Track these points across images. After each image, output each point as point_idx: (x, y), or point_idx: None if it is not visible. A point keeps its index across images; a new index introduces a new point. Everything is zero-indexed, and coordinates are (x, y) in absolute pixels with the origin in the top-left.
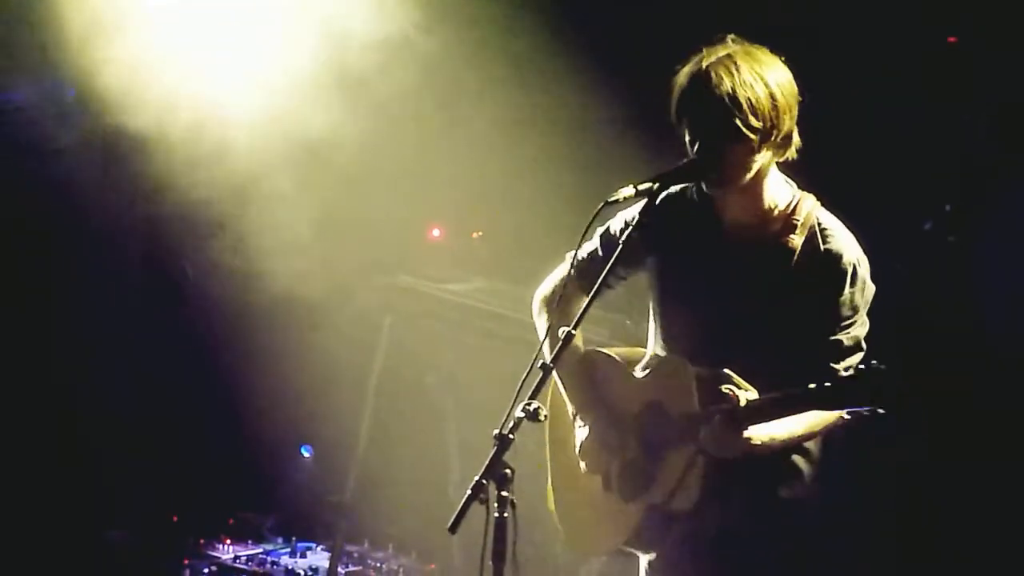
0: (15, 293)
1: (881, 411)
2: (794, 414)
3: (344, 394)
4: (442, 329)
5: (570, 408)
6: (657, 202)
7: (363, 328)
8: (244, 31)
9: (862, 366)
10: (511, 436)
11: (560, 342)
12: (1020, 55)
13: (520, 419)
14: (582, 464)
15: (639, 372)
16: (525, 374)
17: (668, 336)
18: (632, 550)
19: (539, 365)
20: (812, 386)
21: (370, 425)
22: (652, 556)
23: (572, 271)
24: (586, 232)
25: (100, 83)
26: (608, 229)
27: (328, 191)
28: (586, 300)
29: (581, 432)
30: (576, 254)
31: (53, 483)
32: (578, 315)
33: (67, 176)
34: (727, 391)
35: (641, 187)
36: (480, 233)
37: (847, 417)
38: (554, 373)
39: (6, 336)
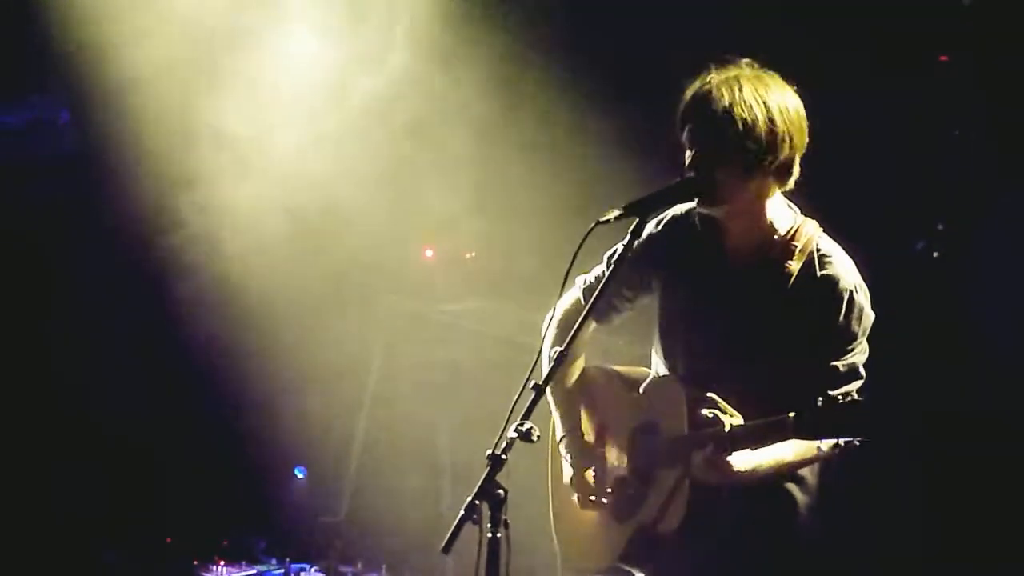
0: (4, 315)
1: (857, 442)
2: (778, 441)
3: (337, 415)
4: (435, 350)
5: (558, 432)
6: (663, 224)
7: (357, 349)
8: (239, 48)
9: (838, 397)
10: (504, 456)
11: (552, 363)
12: (1012, 72)
13: (513, 439)
14: (574, 497)
15: (636, 392)
16: (518, 394)
17: (668, 356)
18: (624, 568)
19: (531, 386)
20: (791, 414)
21: (363, 446)
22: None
23: (583, 294)
24: (577, 252)
25: (94, 103)
26: (615, 253)
27: (322, 214)
28: (594, 325)
29: (567, 468)
30: (586, 278)
31: (48, 505)
32: (573, 334)
33: (62, 196)
34: (710, 415)
35: (633, 206)
36: (473, 253)
37: (823, 450)
38: (548, 394)
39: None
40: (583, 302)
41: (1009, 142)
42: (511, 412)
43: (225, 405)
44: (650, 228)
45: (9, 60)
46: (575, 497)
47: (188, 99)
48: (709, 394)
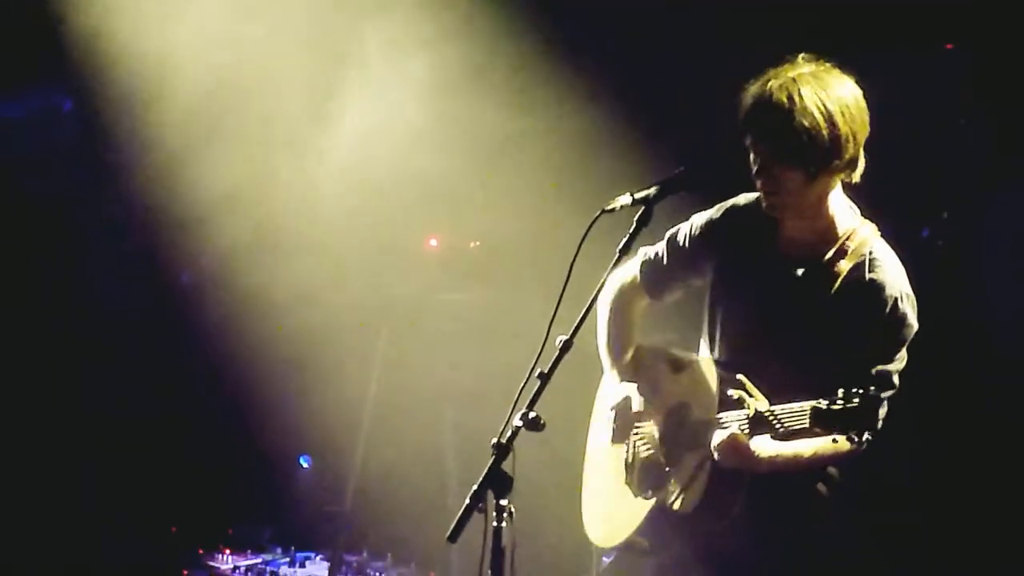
0: (8, 301)
1: (869, 437)
2: (799, 431)
3: (342, 404)
4: (439, 339)
5: (609, 398)
6: (723, 212)
7: (361, 338)
8: (244, 30)
9: (857, 391)
10: (509, 445)
11: (558, 352)
12: (1016, 60)
13: (518, 428)
14: (610, 428)
15: (678, 372)
16: (523, 383)
17: (711, 342)
18: (640, 547)
19: (536, 374)
20: (811, 403)
21: (368, 435)
22: (659, 558)
23: (640, 271)
24: (583, 241)
25: (99, 93)
26: (676, 234)
27: (326, 202)
28: (647, 301)
29: (617, 393)
30: (647, 252)
31: (53, 495)
32: (580, 321)
33: (65, 187)
34: (736, 396)
35: (638, 195)
36: (477, 243)
37: (836, 441)
38: (605, 362)
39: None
40: (639, 279)
41: (1015, 131)
42: (516, 400)
43: (230, 395)
44: (711, 213)
45: (11, 49)
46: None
47: (196, 88)
48: (739, 376)
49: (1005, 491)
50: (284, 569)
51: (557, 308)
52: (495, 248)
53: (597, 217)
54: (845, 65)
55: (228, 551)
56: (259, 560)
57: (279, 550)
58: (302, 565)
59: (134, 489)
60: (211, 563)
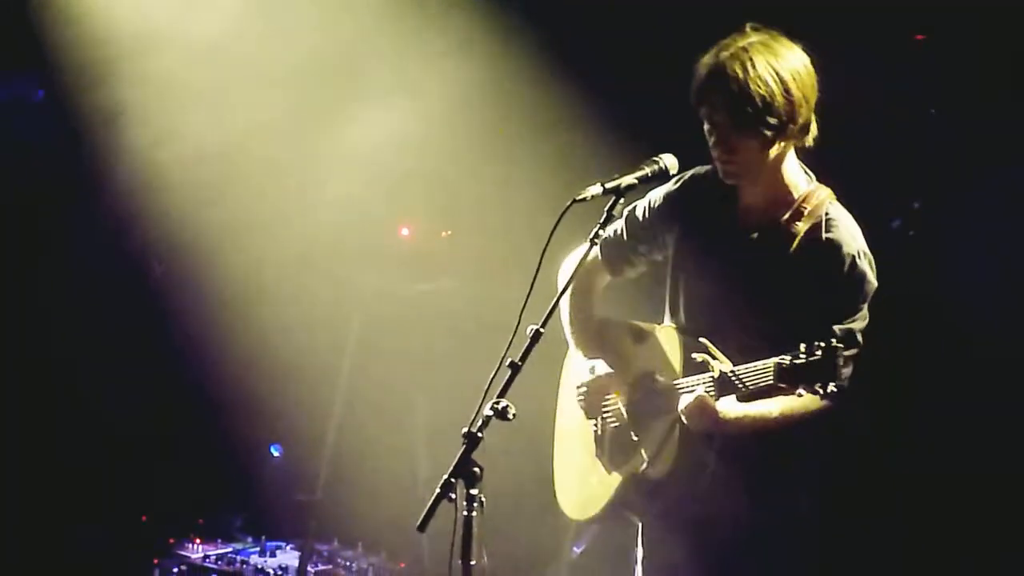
0: None
1: (834, 388)
2: (764, 389)
3: (313, 393)
4: (411, 328)
5: (577, 358)
6: (681, 183)
7: (332, 327)
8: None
9: (821, 345)
10: (480, 434)
11: (529, 340)
12: (986, 50)
13: (489, 417)
14: (580, 404)
15: (641, 343)
16: (494, 372)
17: (673, 311)
18: (615, 517)
19: (507, 363)
20: (775, 360)
21: (339, 424)
22: (642, 527)
23: (601, 249)
24: (554, 230)
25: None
26: (633, 210)
27: (297, 190)
28: (609, 278)
29: (583, 369)
30: (599, 233)
31: (22, 484)
32: (551, 310)
33: (39, 175)
34: (700, 359)
35: (609, 185)
36: (449, 232)
37: (801, 395)
38: (570, 340)
39: None
40: (600, 257)
41: (986, 121)
42: (487, 390)
43: (200, 384)
44: (668, 187)
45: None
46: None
47: (170, 72)
48: (701, 339)
49: (977, 479)
50: (255, 558)
51: (528, 297)
52: (467, 237)
53: (568, 207)
54: (792, 35)
55: (199, 540)
56: (230, 549)
57: (250, 539)
58: (273, 554)
59: (104, 479)
60: (182, 552)
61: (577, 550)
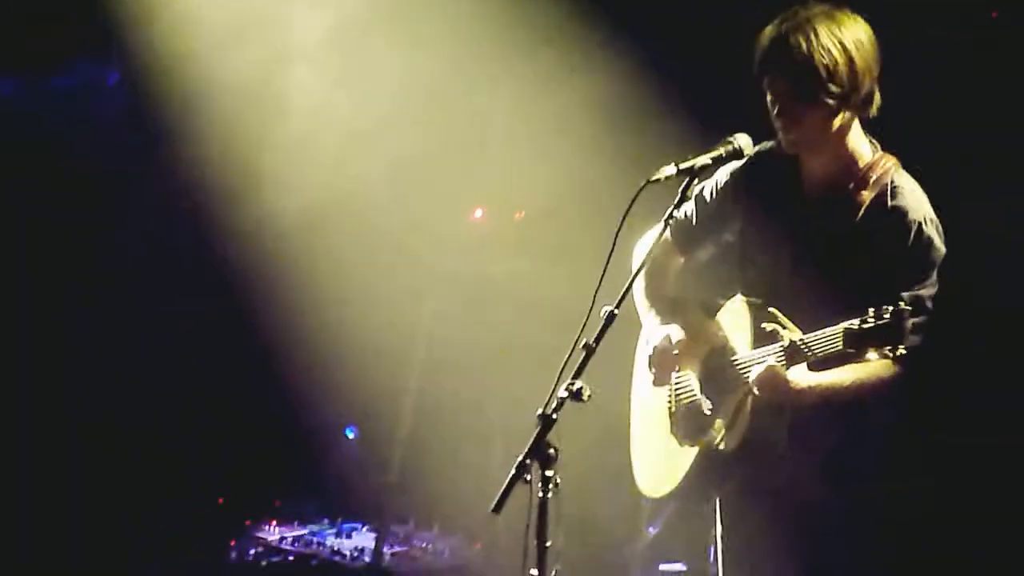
0: (48, 272)
1: (903, 350)
2: (835, 356)
3: (389, 376)
4: (485, 310)
5: (649, 325)
6: (745, 159)
7: (406, 310)
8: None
9: (890, 309)
10: (554, 416)
11: (603, 323)
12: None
13: (563, 399)
14: (650, 374)
15: (712, 317)
16: (568, 353)
17: (745, 284)
18: (697, 492)
19: (581, 345)
20: (844, 325)
21: (414, 406)
22: (719, 502)
23: (670, 231)
24: (627, 212)
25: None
26: (701, 191)
27: (371, 174)
28: (682, 260)
29: (654, 339)
30: (673, 214)
31: (100, 466)
32: (627, 288)
33: (112, 159)
34: (770, 328)
35: (683, 165)
36: (523, 214)
37: (870, 360)
38: (644, 320)
39: (44, 320)
40: (671, 239)
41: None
42: (561, 371)
43: (277, 368)
44: (733, 165)
45: (57, 22)
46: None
47: (247, 63)
48: (770, 309)
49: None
50: (331, 540)
51: (602, 278)
52: (541, 219)
53: (642, 188)
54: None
55: (275, 522)
56: (306, 531)
57: (326, 521)
58: (348, 536)
59: (182, 462)
60: (258, 534)
61: (653, 531)
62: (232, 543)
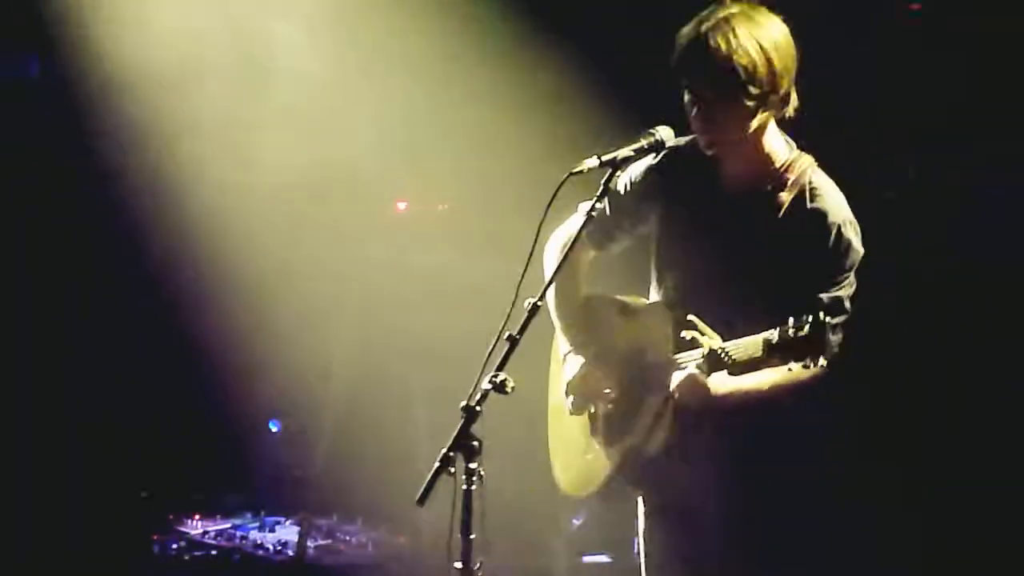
0: None
1: (824, 363)
2: (755, 364)
3: (311, 369)
4: (408, 301)
5: (563, 348)
6: (662, 155)
7: (330, 302)
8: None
9: (809, 320)
10: (478, 408)
11: (527, 314)
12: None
13: (487, 391)
14: (567, 402)
15: (630, 318)
16: (492, 345)
17: (662, 285)
18: (619, 492)
19: (506, 336)
20: (763, 336)
21: (337, 398)
22: (641, 500)
23: (583, 228)
24: (550, 203)
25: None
26: (617, 184)
27: (294, 164)
28: (593, 254)
29: (569, 369)
30: (596, 206)
31: (20, 461)
32: (550, 280)
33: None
34: (689, 337)
35: (605, 157)
36: (446, 205)
37: (791, 370)
38: (554, 316)
39: None
40: (584, 233)
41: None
42: (485, 363)
43: (197, 358)
44: (649, 160)
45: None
46: (568, 402)
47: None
48: (690, 316)
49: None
50: (254, 533)
51: (525, 270)
52: (464, 210)
53: (565, 179)
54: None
55: (198, 516)
56: (229, 525)
57: (249, 515)
58: (272, 529)
59: (103, 455)
60: (181, 528)
61: (577, 522)
62: (155, 537)
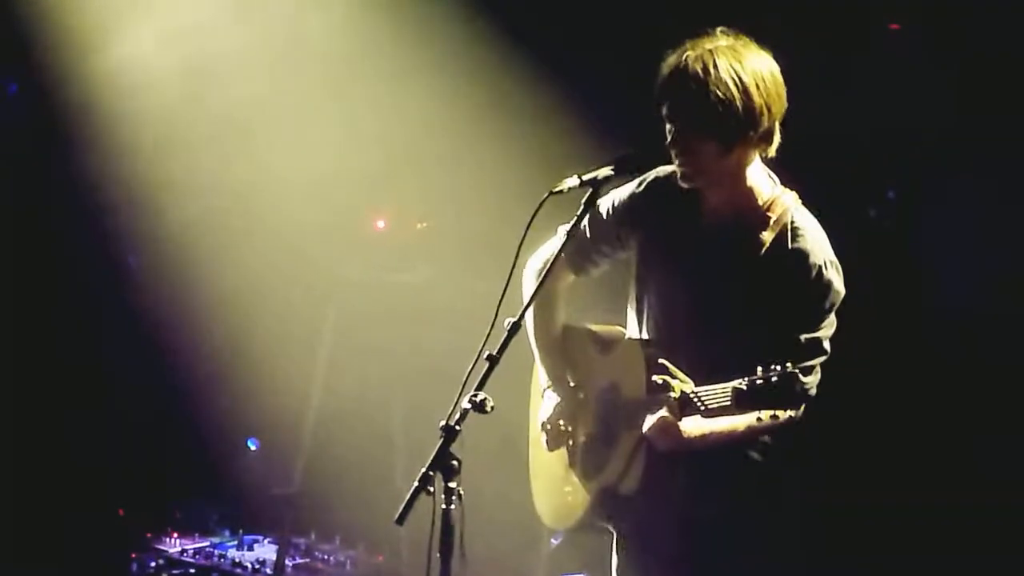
0: None
1: (792, 414)
2: (725, 408)
3: (290, 386)
4: (387, 320)
5: (542, 381)
6: (644, 185)
7: (309, 320)
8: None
9: (776, 368)
10: (458, 427)
11: (506, 334)
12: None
13: (467, 410)
14: (543, 439)
15: (606, 353)
16: (472, 364)
17: (639, 317)
18: (595, 527)
19: (485, 356)
20: (734, 383)
21: (316, 416)
22: (616, 536)
23: (562, 250)
24: (531, 222)
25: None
26: (597, 208)
27: (271, 187)
28: (572, 277)
29: (546, 406)
30: (569, 230)
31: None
32: (530, 300)
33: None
34: (660, 381)
35: (586, 177)
36: (425, 224)
37: (763, 420)
38: (533, 345)
39: None
40: (563, 255)
41: (961, 107)
42: (465, 382)
43: (178, 378)
44: (632, 187)
45: None
46: (543, 439)
47: (152, 75)
48: (660, 360)
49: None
50: (232, 552)
51: (506, 290)
52: (442, 229)
53: (545, 199)
54: (768, 41)
55: (176, 534)
56: (207, 543)
57: (227, 533)
58: (250, 548)
59: (82, 472)
60: (159, 546)
61: (555, 541)
62: (133, 555)
